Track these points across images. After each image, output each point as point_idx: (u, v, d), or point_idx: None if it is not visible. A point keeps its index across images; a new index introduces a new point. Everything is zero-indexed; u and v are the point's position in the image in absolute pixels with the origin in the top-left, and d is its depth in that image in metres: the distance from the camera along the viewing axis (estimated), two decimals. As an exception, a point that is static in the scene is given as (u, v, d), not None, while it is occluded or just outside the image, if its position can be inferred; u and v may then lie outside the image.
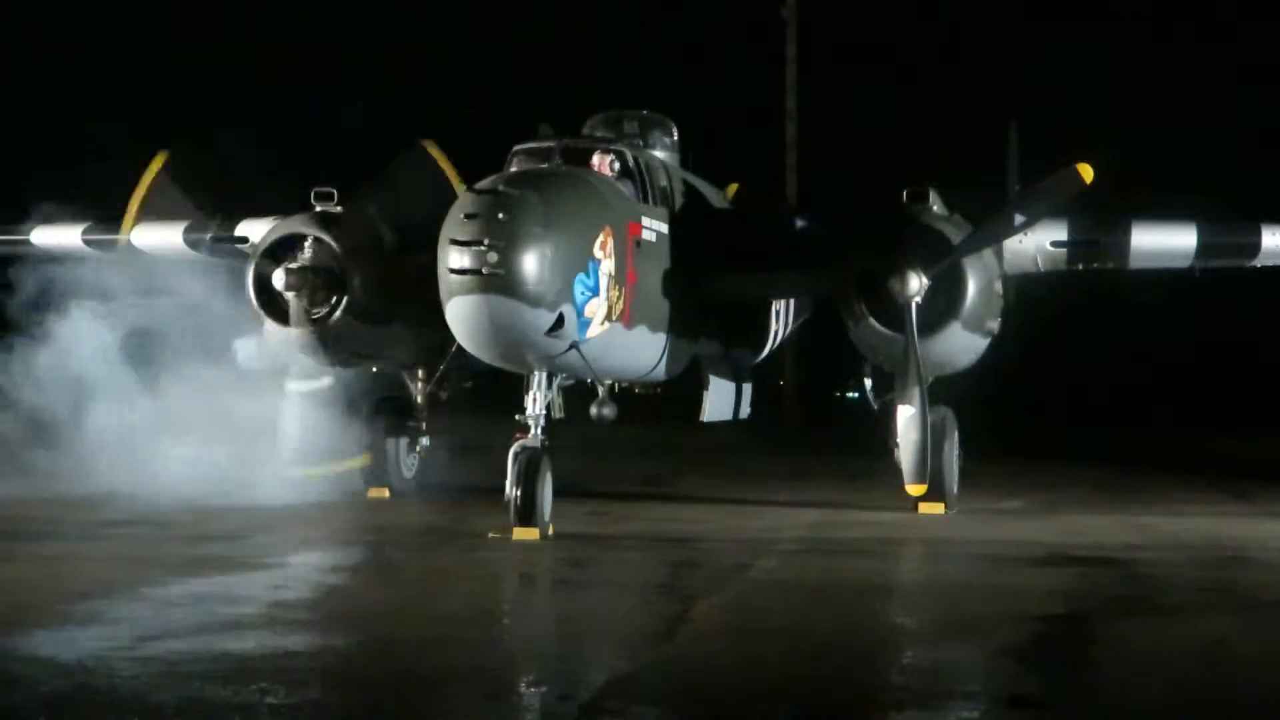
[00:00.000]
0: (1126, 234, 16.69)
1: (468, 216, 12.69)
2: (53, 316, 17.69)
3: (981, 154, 21.95)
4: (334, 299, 15.79)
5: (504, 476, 13.62)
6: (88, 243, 19.05)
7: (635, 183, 14.87)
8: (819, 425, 29.45)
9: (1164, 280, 18.18)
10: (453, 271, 12.73)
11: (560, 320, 13.06)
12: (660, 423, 18.44)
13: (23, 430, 18.32)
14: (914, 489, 15.41)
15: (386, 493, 17.42)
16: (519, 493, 13.53)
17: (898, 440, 15.44)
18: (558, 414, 15.36)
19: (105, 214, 19.07)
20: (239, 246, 17.52)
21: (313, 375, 16.25)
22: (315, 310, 15.78)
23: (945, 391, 16.27)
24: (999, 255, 15.98)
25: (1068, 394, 33.24)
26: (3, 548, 12.83)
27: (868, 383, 17.02)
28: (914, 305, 14.93)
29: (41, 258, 18.77)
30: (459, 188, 15.15)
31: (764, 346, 18.62)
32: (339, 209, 16.22)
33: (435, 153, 16.04)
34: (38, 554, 12.63)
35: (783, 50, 33.30)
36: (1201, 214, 16.96)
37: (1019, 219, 15.34)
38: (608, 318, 13.75)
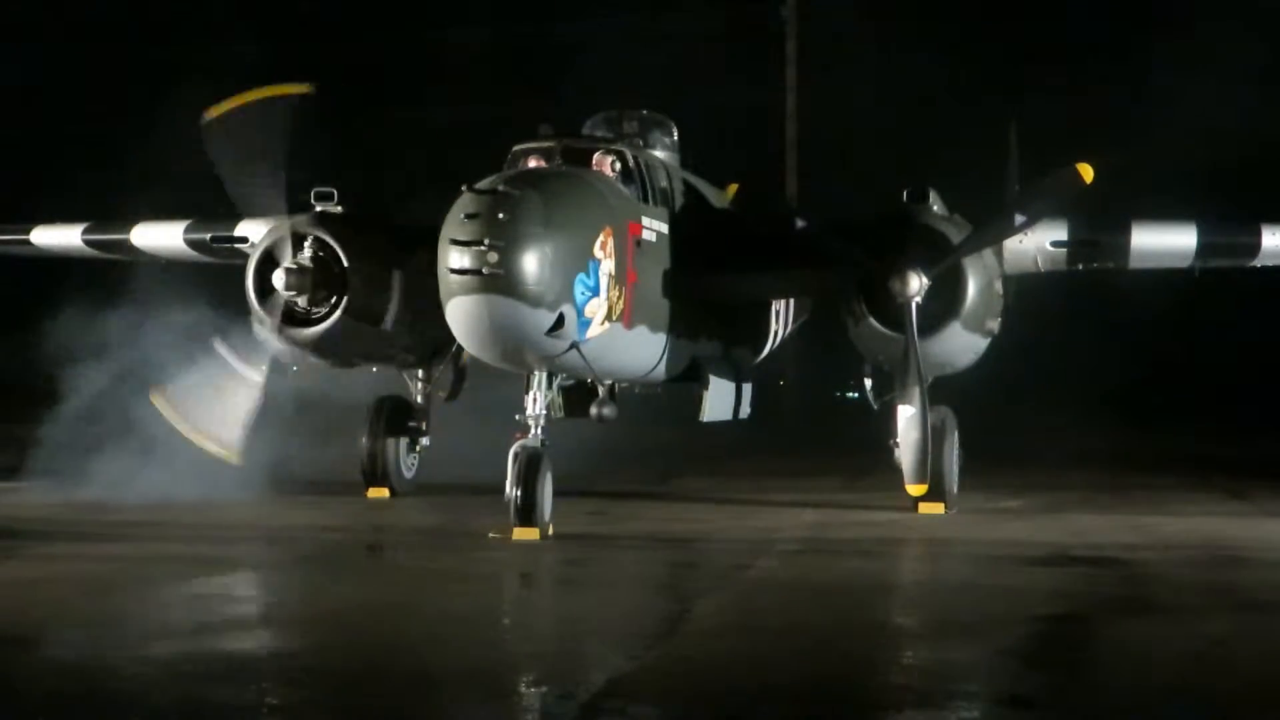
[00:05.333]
0: (1126, 234, 16.69)
1: (468, 216, 12.69)
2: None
3: (981, 154, 21.94)
4: (334, 299, 15.77)
5: (504, 476, 13.63)
6: (88, 243, 19.04)
7: (635, 183, 14.87)
8: (819, 425, 29.42)
9: (1165, 279, 18.19)
10: (453, 271, 12.73)
11: (560, 320, 13.06)
12: (660, 423, 18.42)
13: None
14: (914, 489, 15.40)
15: (386, 493, 17.43)
16: (519, 493, 13.52)
17: (898, 440, 15.44)
18: (558, 414, 15.36)
19: (105, 214, 19.09)
20: (239, 246, 17.51)
21: (258, 369, 15.86)
22: (315, 310, 15.78)
23: (945, 391, 16.28)
24: (999, 255, 15.98)
25: (1071, 393, 33.22)
26: (3, 547, 12.85)
27: (868, 383, 16.99)
28: (914, 305, 14.92)
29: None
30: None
31: (764, 346, 18.61)
32: (339, 209, 16.23)
33: None
34: (38, 554, 12.63)
35: (783, 50, 33.32)
36: (1201, 214, 16.97)
37: (1019, 219, 15.33)
38: (608, 318, 13.75)
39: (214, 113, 15.26)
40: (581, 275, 13.23)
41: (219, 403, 15.36)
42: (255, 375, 15.46)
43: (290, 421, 17.32)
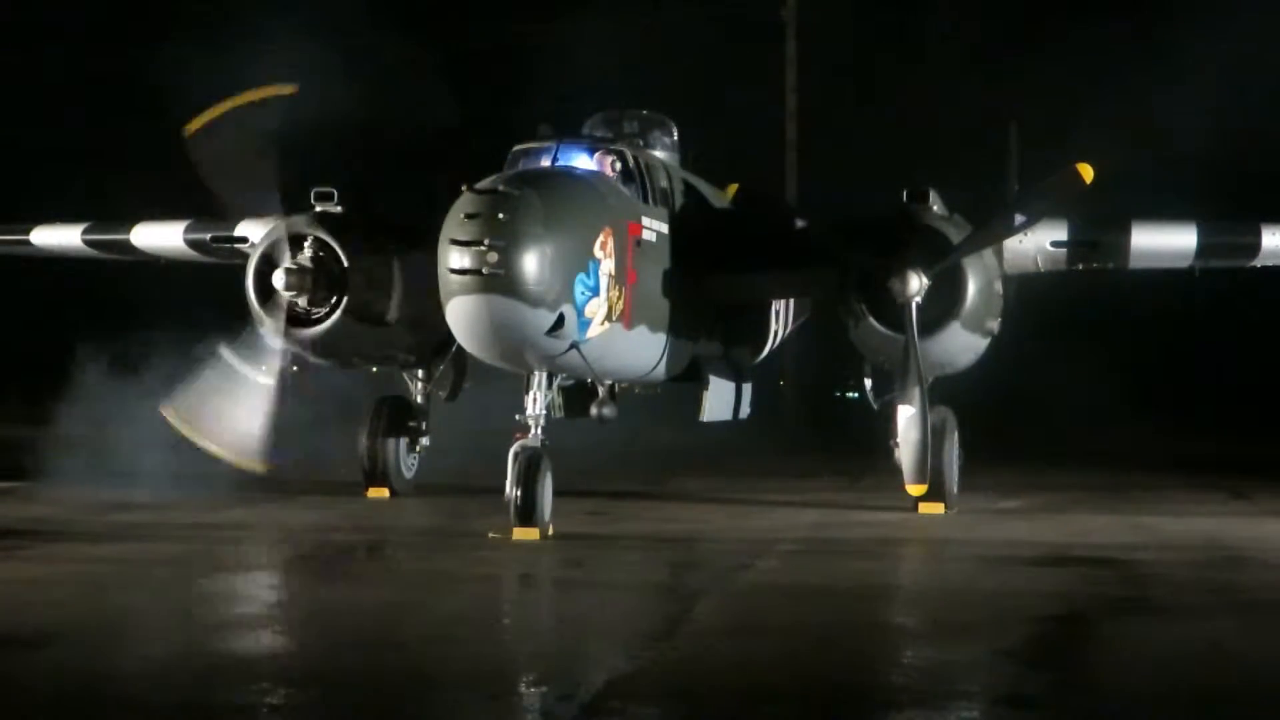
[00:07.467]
0: (1126, 234, 16.69)
1: (468, 216, 12.69)
2: None
3: (981, 154, 21.94)
4: (334, 299, 15.77)
5: (504, 476, 13.63)
6: (88, 243, 19.05)
7: (635, 183, 14.87)
8: (819, 425, 29.44)
9: (1163, 280, 18.19)
10: (453, 271, 12.74)
11: (560, 320, 13.07)
12: (660, 423, 18.45)
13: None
14: (914, 489, 15.41)
15: (386, 493, 17.42)
16: (519, 493, 13.53)
17: (898, 440, 15.44)
18: (558, 414, 15.36)
19: (105, 214, 19.08)
20: (239, 246, 17.51)
21: (272, 368, 15.81)
22: (315, 310, 15.77)
23: (945, 392, 16.28)
24: (999, 255, 15.98)
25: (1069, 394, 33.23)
26: (3, 547, 12.84)
27: (868, 383, 17.00)
28: (914, 305, 14.93)
29: None
30: None
31: (764, 346, 18.62)
32: (339, 209, 16.22)
33: None
34: (38, 554, 12.63)
35: (783, 50, 33.32)
36: (1201, 214, 16.96)
37: (1019, 219, 15.35)
38: (608, 318, 13.76)
39: (196, 124, 15.21)
40: (581, 275, 13.24)
41: (231, 410, 15.33)
42: (265, 378, 15.45)
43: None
